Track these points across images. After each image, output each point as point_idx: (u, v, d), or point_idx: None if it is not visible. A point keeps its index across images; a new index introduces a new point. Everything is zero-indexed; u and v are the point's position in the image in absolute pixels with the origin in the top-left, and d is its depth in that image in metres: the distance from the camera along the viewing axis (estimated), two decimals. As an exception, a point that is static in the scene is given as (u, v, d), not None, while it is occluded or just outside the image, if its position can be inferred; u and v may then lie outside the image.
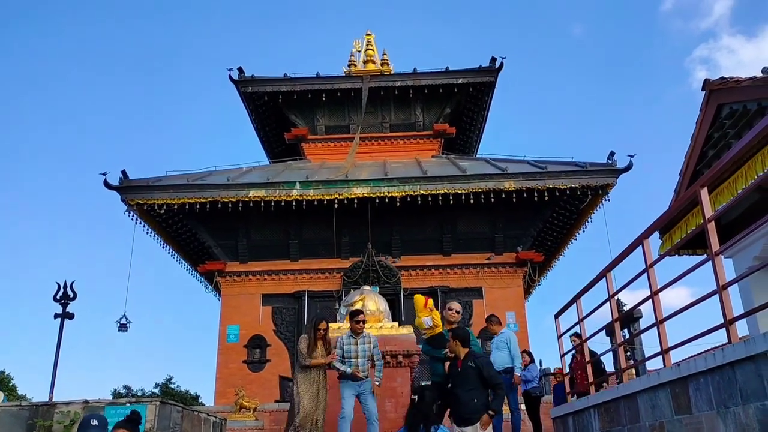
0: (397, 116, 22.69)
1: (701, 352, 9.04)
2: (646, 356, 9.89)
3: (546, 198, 17.19)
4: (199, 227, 19.18)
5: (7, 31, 76.08)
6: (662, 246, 10.99)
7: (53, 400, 9.44)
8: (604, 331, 10.11)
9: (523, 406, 10.05)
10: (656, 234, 10.78)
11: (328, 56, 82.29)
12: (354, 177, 18.02)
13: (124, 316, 16.85)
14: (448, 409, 6.27)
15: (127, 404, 8.35)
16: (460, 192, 17.15)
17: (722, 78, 9.22)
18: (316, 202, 17.58)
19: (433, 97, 22.04)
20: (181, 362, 71.15)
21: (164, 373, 50.29)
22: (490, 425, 5.77)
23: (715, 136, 9.65)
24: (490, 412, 5.67)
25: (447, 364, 6.61)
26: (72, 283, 13.93)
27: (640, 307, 11.37)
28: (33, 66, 79.67)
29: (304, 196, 17.42)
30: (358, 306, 10.62)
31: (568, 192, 17.37)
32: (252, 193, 17.41)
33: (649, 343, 16.67)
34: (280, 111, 22.55)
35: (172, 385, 37.55)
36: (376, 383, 7.50)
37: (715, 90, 9.30)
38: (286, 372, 17.60)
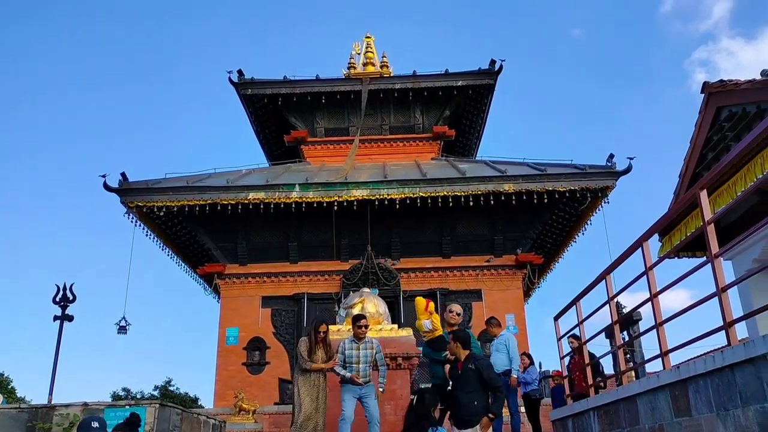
0: (396, 118, 22.72)
1: (701, 355, 9.04)
2: (646, 358, 9.90)
3: (545, 200, 17.20)
4: (199, 229, 19.19)
5: (7, 32, 76.16)
6: (662, 248, 10.99)
7: (52, 403, 9.44)
8: (603, 333, 10.13)
9: (522, 409, 10.05)
10: (656, 236, 10.79)
11: (328, 58, 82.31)
12: (353, 179, 18.03)
13: (124, 318, 16.86)
14: (448, 412, 6.27)
15: (127, 407, 8.35)
16: (459, 194, 17.16)
17: (721, 80, 9.23)
18: (315, 205, 17.59)
19: (433, 99, 22.07)
20: (181, 365, 71.11)
21: (163, 376, 50.29)
22: (490, 428, 5.77)
23: (714, 138, 9.66)
24: (490, 415, 5.67)
25: (447, 366, 6.61)
26: (71, 285, 13.97)
27: (639, 310, 11.38)
28: (33, 67, 79.74)
29: (304, 199, 17.43)
30: (357, 308, 10.61)
31: (567, 194, 17.38)
32: (251, 195, 17.41)
33: (649, 345, 16.69)
34: (280, 113, 22.58)
35: (171, 388, 37.50)
36: (381, 390, 7.47)
37: (714, 92, 9.31)
38: (286, 374, 17.59)
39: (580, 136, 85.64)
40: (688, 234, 9.69)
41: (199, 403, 34.60)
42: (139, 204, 17.39)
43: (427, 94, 21.72)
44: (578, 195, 17.39)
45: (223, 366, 18.23)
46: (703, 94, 9.54)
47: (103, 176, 17.19)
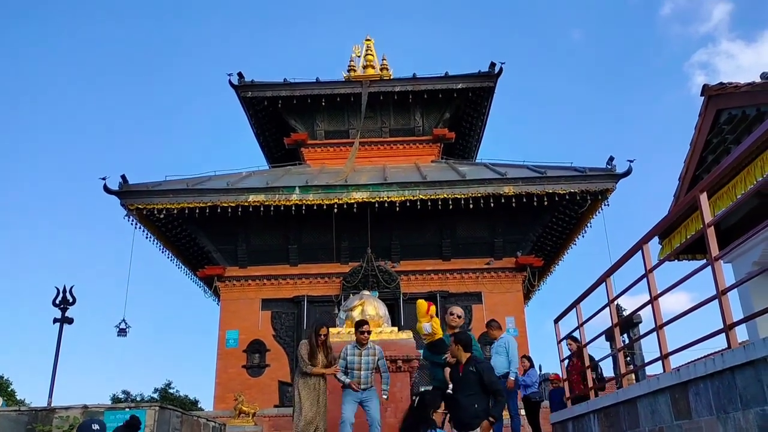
0: (396, 121, 22.74)
1: (701, 357, 9.03)
2: (646, 361, 9.89)
3: (545, 203, 17.21)
4: (199, 232, 19.19)
5: (7, 32, 76.25)
6: (662, 251, 11.00)
7: (52, 405, 9.42)
8: (603, 336, 10.12)
9: (522, 412, 10.04)
10: (656, 239, 10.80)
11: (328, 59, 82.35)
12: (353, 182, 18.04)
13: (124, 320, 16.84)
14: (448, 414, 6.26)
15: (127, 409, 8.35)
16: (459, 197, 17.17)
17: (721, 83, 9.24)
18: (315, 207, 17.59)
19: (433, 102, 22.09)
20: (181, 367, 71.00)
21: (163, 378, 50.12)
22: (491, 431, 5.76)
23: (714, 141, 9.66)
24: (491, 418, 5.65)
25: (447, 369, 6.60)
26: (71, 287, 13.94)
27: (639, 312, 11.35)
28: (33, 67, 79.87)
29: (304, 201, 17.43)
30: (357, 311, 10.59)
31: (567, 197, 17.38)
32: (251, 197, 17.41)
33: (649, 348, 16.63)
34: (280, 116, 22.59)
35: (171, 390, 37.51)
36: (384, 397, 7.46)
37: (714, 95, 9.32)
38: (286, 377, 17.59)
39: (580, 138, 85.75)
40: (688, 237, 9.70)
41: (199, 406, 34.60)
42: (139, 206, 17.40)
43: (427, 96, 21.75)
44: (578, 197, 17.40)
45: (222, 368, 18.21)
46: (702, 97, 9.55)
47: (104, 179, 17.23)
